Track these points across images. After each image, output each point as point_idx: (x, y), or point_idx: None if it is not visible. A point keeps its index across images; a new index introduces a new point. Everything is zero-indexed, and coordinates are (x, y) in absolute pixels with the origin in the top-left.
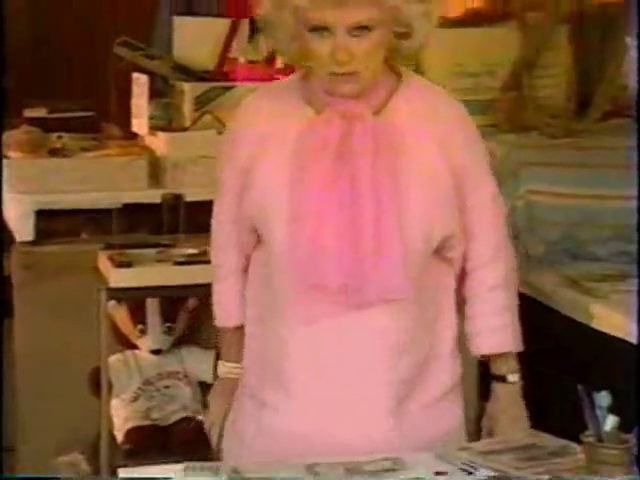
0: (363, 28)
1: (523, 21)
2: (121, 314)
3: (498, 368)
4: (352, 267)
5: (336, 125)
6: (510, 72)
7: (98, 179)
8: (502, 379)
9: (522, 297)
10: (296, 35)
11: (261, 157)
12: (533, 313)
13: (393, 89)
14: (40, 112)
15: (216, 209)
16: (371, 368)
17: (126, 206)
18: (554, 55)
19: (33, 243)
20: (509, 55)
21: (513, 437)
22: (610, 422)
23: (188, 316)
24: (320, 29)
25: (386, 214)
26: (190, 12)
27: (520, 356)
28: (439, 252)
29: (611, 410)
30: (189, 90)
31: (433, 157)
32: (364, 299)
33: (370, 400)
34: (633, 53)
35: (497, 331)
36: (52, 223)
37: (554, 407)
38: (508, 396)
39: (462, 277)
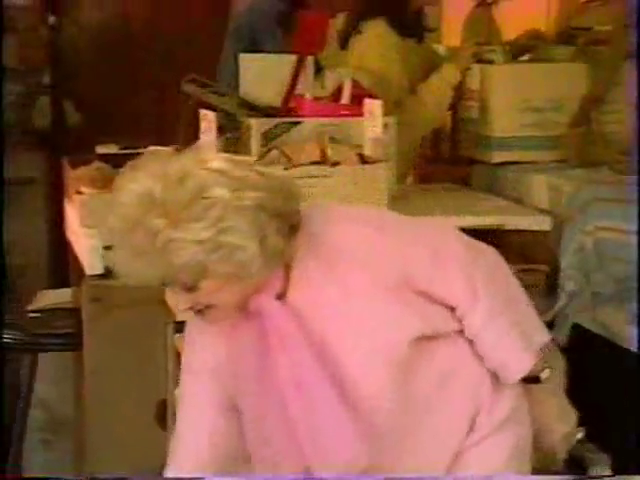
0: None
1: (590, 57)
2: None
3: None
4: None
5: (249, 325)
6: (578, 107)
7: None
8: (536, 380)
9: (591, 335)
10: None
11: None
12: (603, 351)
13: (288, 263)
14: (111, 149)
15: None
16: None
17: None
18: (622, 90)
19: (102, 276)
20: (576, 90)
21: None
22: None
23: None
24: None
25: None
26: (256, 49)
27: (589, 393)
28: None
29: None
30: (256, 126)
31: (360, 297)
32: None
33: None
34: None
35: (510, 359)
36: None
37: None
38: (547, 392)
39: None
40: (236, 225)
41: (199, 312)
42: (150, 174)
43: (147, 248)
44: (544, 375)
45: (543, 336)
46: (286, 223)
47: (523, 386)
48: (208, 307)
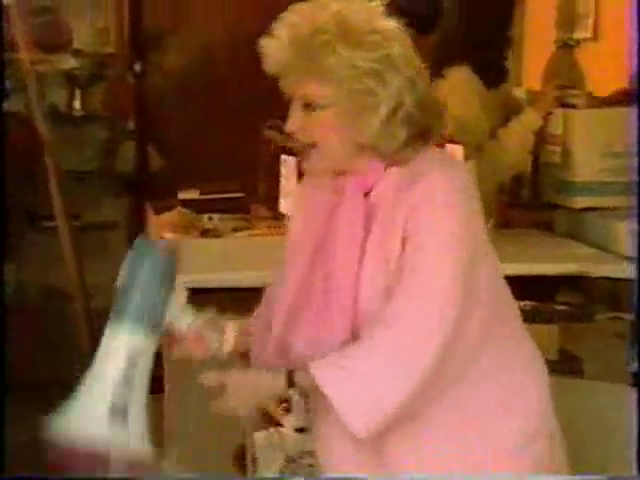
0: (310, 105)
1: None
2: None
3: None
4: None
5: (324, 200)
6: None
7: (247, 258)
8: None
9: None
10: None
11: None
12: None
13: (383, 175)
14: (193, 194)
15: None
16: None
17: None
18: None
19: None
20: None
21: None
22: None
23: None
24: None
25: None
26: None
27: None
28: None
29: None
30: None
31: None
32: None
33: None
34: None
35: None
36: (201, 301)
37: None
38: None
39: None
40: (388, 78)
41: (301, 154)
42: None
43: (306, 38)
44: None
45: None
46: (417, 127)
47: None
48: (310, 146)
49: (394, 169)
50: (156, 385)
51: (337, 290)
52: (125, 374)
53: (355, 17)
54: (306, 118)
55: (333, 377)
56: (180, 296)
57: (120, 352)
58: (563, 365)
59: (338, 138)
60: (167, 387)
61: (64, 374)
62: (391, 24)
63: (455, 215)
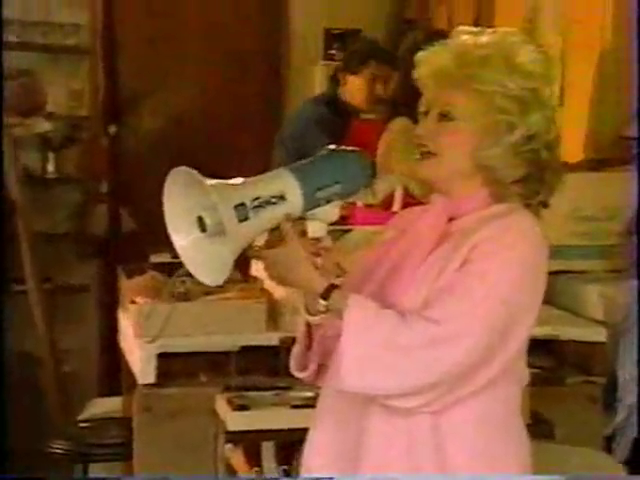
0: (448, 115)
1: None
2: (238, 457)
3: None
4: None
5: (410, 216)
6: (631, 217)
7: (218, 322)
8: None
9: None
10: None
11: None
12: None
13: (481, 208)
14: (165, 257)
15: None
16: None
17: (244, 348)
18: None
19: (154, 385)
20: (629, 199)
21: None
22: None
23: None
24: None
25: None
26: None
27: None
28: None
29: None
30: (309, 233)
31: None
32: None
33: None
34: None
35: None
36: (173, 366)
37: None
38: None
39: None
40: (530, 109)
41: (421, 155)
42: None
43: (468, 49)
44: None
45: None
46: (538, 169)
47: None
48: (430, 154)
49: (497, 206)
50: (126, 451)
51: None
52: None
53: (517, 46)
54: (438, 126)
55: (360, 324)
56: (332, 212)
57: (279, 181)
58: (535, 428)
59: (462, 152)
60: (136, 453)
61: (34, 440)
62: (545, 64)
63: (521, 261)
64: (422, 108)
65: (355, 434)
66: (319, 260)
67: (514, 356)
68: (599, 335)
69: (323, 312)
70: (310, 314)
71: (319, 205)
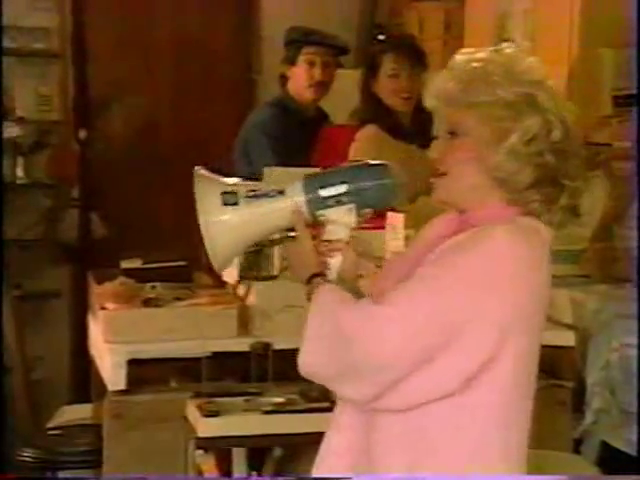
0: (453, 132)
1: (611, 172)
2: (208, 463)
3: None
4: None
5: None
6: (600, 222)
7: (189, 328)
8: None
9: (619, 452)
10: None
11: None
12: (633, 470)
13: (499, 219)
14: (135, 263)
15: None
16: None
17: (215, 354)
18: None
19: (124, 392)
20: (598, 205)
21: None
22: None
23: (274, 466)
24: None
25: None
26: (280, 163)
27: None
28: None
29: None
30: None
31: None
32: None
33: None
34: None
35: None
36: (143, 372)
37: None
38: None
39: None
40: (524, 114)
41: (435, 178)
42: None
43: (467, 69)
44: None
45: None
46: (549, 172)
47: None
48: (441, 174)
49: (519, 218)
50: (96, 458)
51: None
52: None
53: (514, 56)
54: (448, 145)
55: (319, 307)
56: (345, 215)
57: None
58: None
59: (471, 167)
60: (106, 460)
61: (2, 448)
62: (541, 71)
63: (485, 275)
64: (436, 133)
65: (365, 434)
66: (329, 260)
67: (477, 369)
68: (568, 339)
69: (307, 299)
70: None
71: (329, 206)
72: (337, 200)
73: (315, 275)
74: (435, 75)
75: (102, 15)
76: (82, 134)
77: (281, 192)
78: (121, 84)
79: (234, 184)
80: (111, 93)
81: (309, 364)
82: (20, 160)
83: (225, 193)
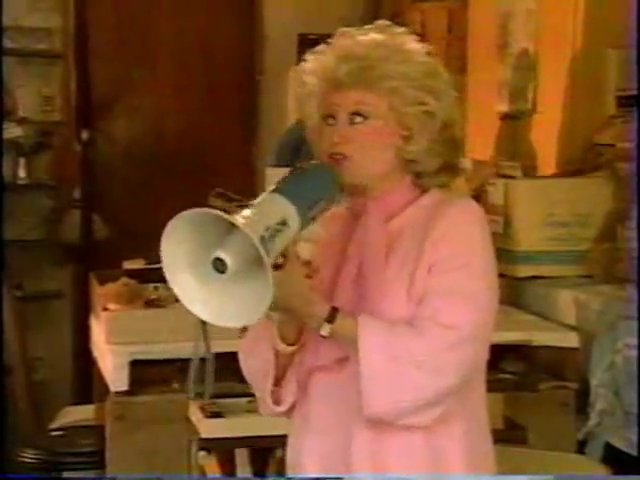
0: (360, 115)
1: (615, 172)
2: (211, 464)
3: None
4: None
5: (341, 223)
6: (603, 223)
7: (191, 329)
8: None
9: (621, 453)
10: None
11: None
12: (637, 471)
13: (412, 200)
14: (138, 264)
15: None
16: None
17: (217, 355)
18: None
19: (127, 393)
20: (601, 206)
21: None
22: None
23: (277, 466)
24: (327, 117)
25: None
26: (280, 164)
27: None
28: None
29: None
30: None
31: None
32: None
33: None
34: None
35: None
36: (145, 373)
37: None
38: None
39: None
40: (441, 94)
41: (337, 158)
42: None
43: (365, 50)
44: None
45: None
46: (456, 152)
47: None
48: (347, 158)
49: (427, 195)
50: (98, 459)
51: None
52: (274, 227)
53: (409, 43)
54: (352, 129)
55: (375, 344)
56: (316, 231)
57: (278, 207)
58: (507, 434)
59: (382, 150)
60: (109, 461)
61: (5, 449)
62: (427, 47)
63: (486, 246)
64: (320, 113)
65: (344, 440)
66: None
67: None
68: (572, 341)
69: (326, 337)
70: (288, 343)
71: (309, 225)
72: (313, 217)
73: (334, 309)
74: (317, 58)
75: (104, 16)
76: (84, 135)
77: (284, 223)
78: (123, 85)
79: (256, 222)
80: (113, 94)
81: (382, 404)
82: (22, 161)
83: (261, 239)
